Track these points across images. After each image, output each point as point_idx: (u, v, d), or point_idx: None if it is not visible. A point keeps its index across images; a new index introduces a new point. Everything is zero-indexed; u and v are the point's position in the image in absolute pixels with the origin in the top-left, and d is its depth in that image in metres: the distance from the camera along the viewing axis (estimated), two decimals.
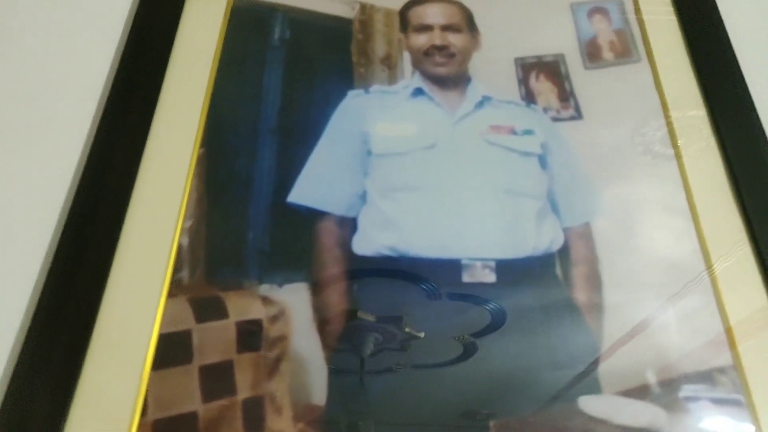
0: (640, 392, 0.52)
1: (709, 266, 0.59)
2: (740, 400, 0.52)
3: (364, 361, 0.52)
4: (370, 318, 0.54)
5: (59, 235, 0.54)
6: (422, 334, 0.53)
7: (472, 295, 0.55)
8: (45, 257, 0.54)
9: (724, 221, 0.62)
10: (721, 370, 0.53)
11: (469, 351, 0.53)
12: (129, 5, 0.71)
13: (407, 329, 0.54)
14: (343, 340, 0.52)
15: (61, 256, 0.53)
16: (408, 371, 0.52)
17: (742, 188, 0.63)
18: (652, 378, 0.52)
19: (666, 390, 0.52)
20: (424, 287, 0.55)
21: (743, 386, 0.52)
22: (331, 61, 0.69)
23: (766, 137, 0.66)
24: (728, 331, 0.55)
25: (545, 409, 0.50)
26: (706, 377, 0.53)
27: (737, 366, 0.53)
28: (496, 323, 0.54)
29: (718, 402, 0.52)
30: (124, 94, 0.63)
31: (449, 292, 0.55)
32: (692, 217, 0.62)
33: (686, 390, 0.52)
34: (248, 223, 0.57)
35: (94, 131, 0.61)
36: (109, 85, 0.64)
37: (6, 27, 0.70)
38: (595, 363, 0.53)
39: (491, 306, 0.55)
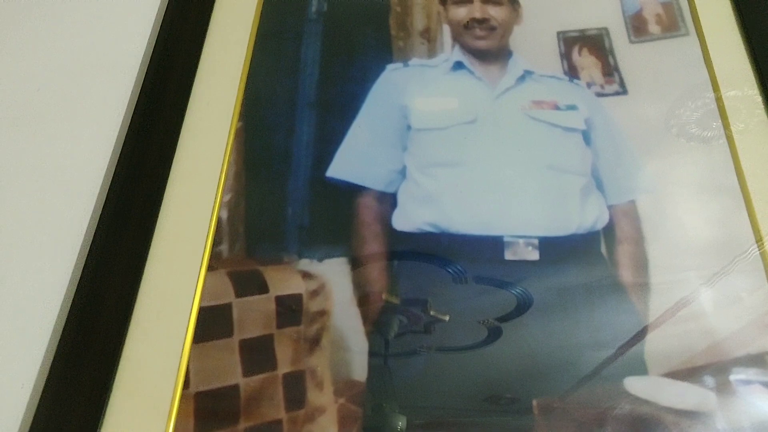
0: (688, 374, 0.50)
1: (760, 245, 0.56)
2: None
3: (388, 343, 0.51)
4: (395, 300, 0.53)
5: (100, 209, 0.55)
6: (447, 318, 0.53)
7: (499, 279, 0.54)
8: (85, 236, 0.54)
9: None
10: None
11: (493, 335, 0.52)
12: None
13: (432, 312, 0.53)
14: (376, 322, 0.52)
15: (102, 233, 0.53)
16: (432, 354, 0.51)
17: None
18: (700, 360, 0.51)
19: (715, 372, 0.50)
20: (452, 270, 0.54)
21: None
22: (369, 35, 0.68)
23: None
24: None
25: (589, 389, 0.49)
26: (758, 360, 0.51)
27: None
28: (523, 308, 0.53)
29: None
30: (161, 70, 0.63)
31: (476, 275, 0.54)
32: (743, 195, 0.60)
33: (736, 373, 0.50)
34: (287, 198, 0.57)
35: (133, 106, 0.61)
36: (147, 60, 0.64)
37: (45, 8, 0.70)
38: (640, 343, 0.51)
39: (517, 290, 0.53)
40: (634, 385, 0.50)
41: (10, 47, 0.67)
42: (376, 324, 0.52)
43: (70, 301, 0.50)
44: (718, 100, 0.66)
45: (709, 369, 0.50)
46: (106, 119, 0.61)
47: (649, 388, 0.50)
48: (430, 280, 0.54)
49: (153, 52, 0.64)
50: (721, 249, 0.57)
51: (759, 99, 0.65)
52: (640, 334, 0.52)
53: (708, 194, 0.60)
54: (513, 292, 0.53)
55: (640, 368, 0.50)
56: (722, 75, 0.68)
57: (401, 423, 0.47)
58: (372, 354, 0.50)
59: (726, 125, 0.64)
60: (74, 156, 0.60)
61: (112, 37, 0.68)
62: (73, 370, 0.47)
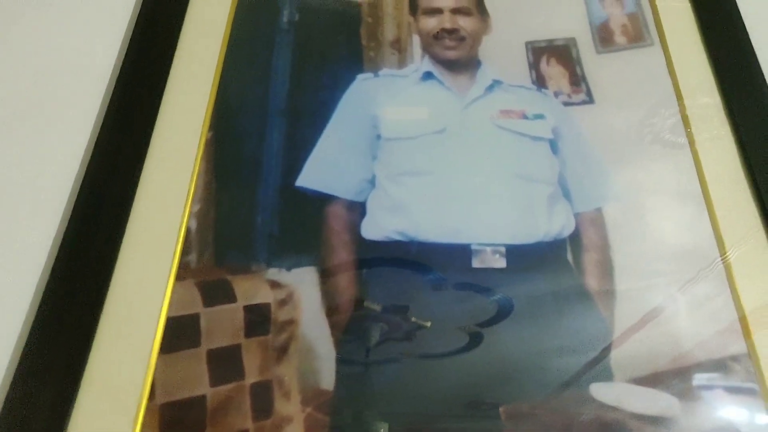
0: (653, 380, 0.51)
1: (723, 253, 0.58)
2: (755, 389, 0.51)
3: (369, 351, 0.51)
4: (377, 307, 0.53)
5: (68, 219, 0.54)
6: (428, 324, 0.53)
7: (479, 285, 0.55)
8: (53, 241, 0.54)
9: (739, 209, 0.61)
10: (735, 359, 0.52)
11: (474, 341, 0.52)
12: None
13: (413, 319, 0.53)
14: (348, 330, 0.52)
15: (69, 240, 0.53)
16: (413, 361, 0.51)
17: (757, 176, 0.62)
18: (665, 366, 0.52)
19: (679, 378, 0.51)
20: (431, 277, 0.54)
21: (758, 375, 0.52)
22: (340, 45, 0.68)
23: None
24: (742, 319, 0.54)
25: (556, 396, 0.50)
26: (720, 366, 0.52)
27: (751, 354, 0.53)
28: (503, 314, 0.53)
29: (732, 390, 0.51)
30: (132, 77, 0.63)
31: (456, 282, 0.55)
32: (706, 204, 0.61)
33: (700, 378, 0.51)
34: (257, 207, 0.57)
35: (103, 114, 0.61)
36: (118, 68, 0.64)
37: (17, 12, 0.70)
38: (606, 350, 0.52)
39: (498, 296, 0.54)
40: (599, 391, 0.50)
41: None
42: (356, 331, 0.52)
43: (36, 309, 0.49)
44: (682, 108, 0.67)
45: (673, 375, 0.51)
46: (75, 127, 0.61)
47: (614, 394, 0.50)
48: (409, 287, 0.54)
49: (124, 60, 0.64)
50: (686, 256, 0.58)
51: (721, 108, 0.67)
52: (608, 342, 0.53)
53: (673, 202, 0.62)
54: (493, 298, 0.54)
55: (605, 374, 0.51)
56: (685, 84, 0.69)
57: (383, 430, 0.47)
58: (343, 362, 0.50)
59: (689, 134, 0.66)
60: (43, 163, 0.59)
61: (84, 44, 0.67)
62: (36, 385, 0.46)
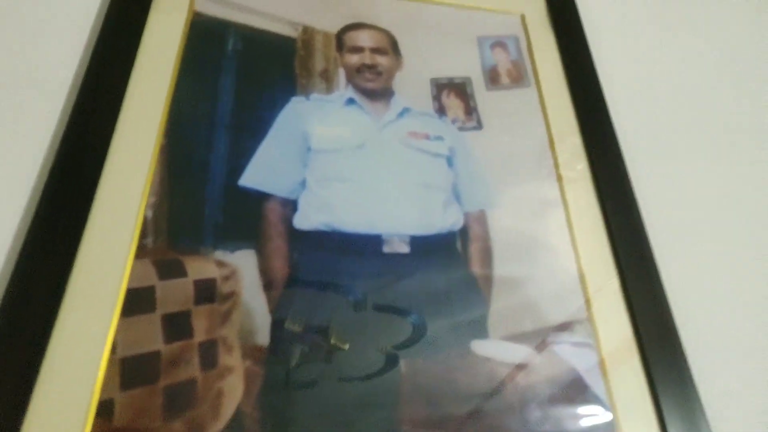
0: (518, 338, 0.66)
1: (576, 252, 0.75)
2: (591, 343, 0.67)
3: (290, 373, 0.59)
4: (298, 329, 0.61)
5: (36, 208, 0.62)
6: (347, 346, 0.62)
7: (397, 307, 0.65)
8: (27, 224, 0.62)
9: (590, 214, 0.79)
10: (579, 322, 0.69)
11: (390, 362, 0.61)
12: (97, 10, 0.80)
13: (333, 340, 0.62)
14: (270, 352, 0.60)
15: (37, 226, 0.61)
16: (332, 383, 0.59)
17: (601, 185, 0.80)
18: (526, 327, 0.67)
19: (536, 336, 0.67)
20: (352, 298, 0.64)
21: (594, 334, 0.68)
22: (277, 72, 0.81)
23: (625, 167, 0.83)
24: (587, 302, 0.71)
25: (444, 352, 0.64)
26: (567, 327, 0.68)
27: (590, 319, 0.69)
28: (418, 335, 0.64)
29: (575, 345, 0.67)
30: (93, 91, 0.71)
31: (375, 303, 0.65)
32: (564, 210, 0.78)
33: (552, 336, 0.67)
34: (205, 201, 0.68)
35: (66, 121, 0.69)
36: (79, 83, 0.72)
37: None
38: (483, 315, 0.67)
39: (413, 318, 0.65)
40: (478, 346, 0.65)
41: None
42: (277, 353, 0.59)
43: (7, 281, 0.57)
44: (550, 138, 0.85)
45: (532, 333, 0.67)
46: (40, 130, 0.69)
47: (489, 349, 0.65)
48: (330, 307, 0.64)
49: (85, 74, 0.73)
50: (545, 248, 0.74)
51: (581, 145, 0.85)
52: (485, 310, 0.68)
53: (541, 207, 0.78)
54: (409, 320, 0.65)
55: (483, 333, 0.66)
56: (553, 120, 0.88)
57: None
58: (273, 385, 0.58)
59: (555, 158, 0.83)
60: (12, 156, 0.67)
61: (46, 62, 0.76)
62: (14, 337, 0.54)
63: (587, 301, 0.71)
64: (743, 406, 0.69)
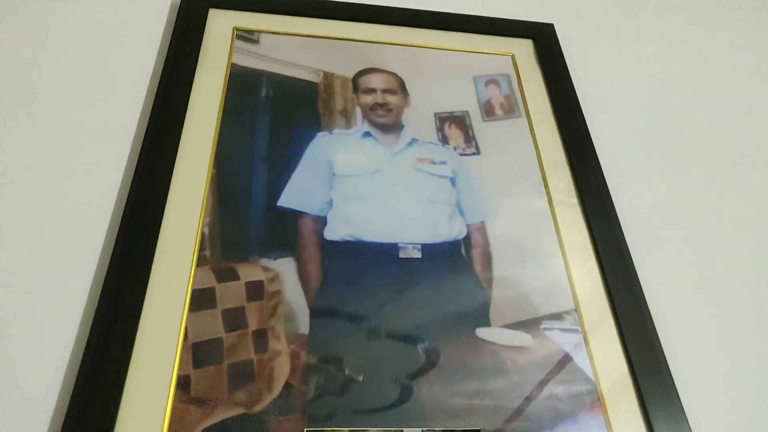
0: (516, 325, 0.79)
1: (563, 255, 0.88)
2: (578, 329, 0.80)
3: (306, 406, 0.66)
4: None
5: (118, 229, 0.76)
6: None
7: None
8: (105, 244, 0.76)
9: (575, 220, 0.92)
10: (567, 312, 0.81)
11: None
12: (153, 70, 0.97)
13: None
14: (310, 338, 0.70)
15: (120, 244, 0.75)
16: (348, 416, 0.66)
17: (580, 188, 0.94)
18: (523, 317, 0.80)
19: (531, 324, 0.79)
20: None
21: (580, 321, 0.81)
22: (304, 112, 0.96)
23: (605, 181, 0.96)
24: (574, 297, 0.83)
25: (455, 338, 0.76)
26: (557, 316, 0.81)
27: (577, 309, 0.82)
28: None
29: (565, 330, 0.79)
30: (156, 135, 0.87)
31: (388, 332, 0.73)
32: (552, 221, 0.92)
33: (545, 323, 0.80)
34: (249, 221, 0.82)
35: (135, 164, 0.84)
36: (143, 130, 0.88)
37: (46, 84, 0.94)
38: (486, 308, 0.80)
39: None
40: (482, 333, 0.77)
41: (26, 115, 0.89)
42: (292, 385, 0.67)
43: (101, 287, 0.71)
44: (540, 162, 0.99)
45: (527, 322, 0.79)
46: (114, 170, 0.84)
47: (492, 335, 0.77)
48: (345, 337, 0.72)
49: (148, 123, 0.88)
50: (536, 251, 0.87)
51: (567, 170, 0.99)
52: (487, 304, 0.80)
53: (528, 217, 0.92)
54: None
55: (485, 322, 0.78)
56: (543, 147, 1.01)
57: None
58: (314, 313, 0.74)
59: (543, 179, 0.97)
60: (92, 189, 0.82)
61: (114, 108, 0.92)
62: (105, 336, 0.68)
63: (575, 296, 0.83)
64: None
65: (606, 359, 0.78)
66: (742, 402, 0.79)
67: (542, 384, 0.74)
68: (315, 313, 0.75)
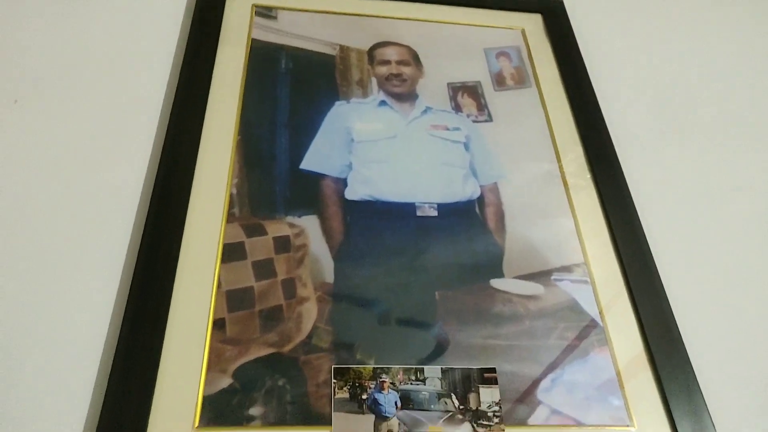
0: (528, 277, 0.83)
1: (573, 213, 0.92)
2: (586, 280, 0.84)
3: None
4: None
5: (152, 190, 0.82)
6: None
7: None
8: (140, 207, 0.81)
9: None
10: (577, 265, 0.86)
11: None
12: (177, 44, 1.01)
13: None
14: (335, 286, 0.75)
15: (156, 202, 0.80)
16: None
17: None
18: (535, 269, 0.84)
19: (543, 275, 0.83)
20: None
21: (588, 272, 0.85)
22: (322, 82, 1.01)
23: (614, 150, 1.00)
24: (584, 252, 0.88)
25: (469, 286, 0.81)
26: (567, 269, 0.85)
27: (586, 262, 0.86)
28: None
29: (574, 281, 0.84)
30: (182, 106, 0.91)
31: (407, 281, 0.79)
32: (561, 181, 0.96)
33: (555, 274, 0.84)
34: (275, 180, 0.87)
35: (164, 132, 0.89)
36: (171, 101, 0.93)
37: (75, 65, 0.99)
38: (499, 261, 0.84)
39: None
40: (496, 283, 0.82)
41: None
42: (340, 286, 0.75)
43: (139, 241, 0.76)
44: (550, 128, 1.03)
45: (539, 274, 0.84)
46: (144, 135, 0.89)
47: (505, 285, 0.82)
48: (367, 284, 0.77)
49: (175, 94, 0.92)
50: (546, 210, 0.92)
51: (576, 135, 1.03)
52: (500, 257, 0.85)
53: (538, 179, 0.96)
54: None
55: (499, 274, 0.83)
56: (553, 116, 1.05)
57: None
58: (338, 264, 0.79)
59: (554, 145, 1.01)
60: (124, 152, 0.87)
61: (143, 80, 0.97)
62: (152, 280, 0.73)
63: (584, 251, 0.87)
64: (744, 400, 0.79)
65: (615, 313, 0.82)
66: (757, 374, 0.81)
67: (553, 328, 0.78)
68: (339, 264, 0.80)
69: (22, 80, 0.93)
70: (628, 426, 0.72)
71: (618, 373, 0.76)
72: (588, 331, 0.79)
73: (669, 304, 0.82)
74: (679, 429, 0.72)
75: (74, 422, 0.65)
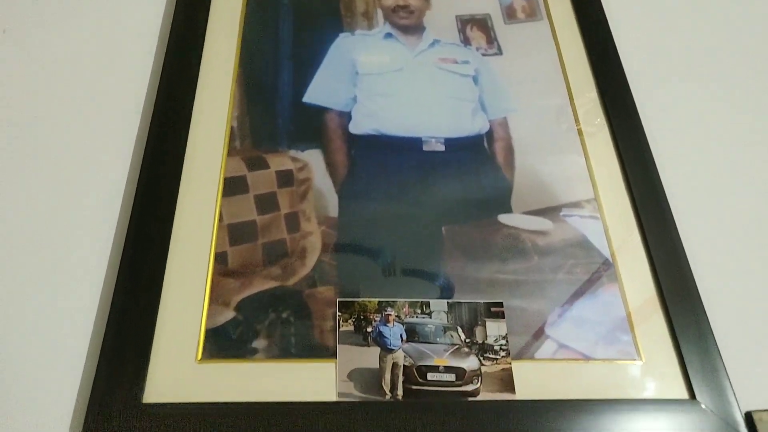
0: (537, 212, 0.81)
1: (584, 148, 0.89)
2: (597, 216, 0.82)
3: (338, 279, 0.71)
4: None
5: (149, 128, 0.79)
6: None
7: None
8: (138, 140, 0.79)
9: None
10: (587, 201, 0.83)
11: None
12: None
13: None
14: (339, 220, 0.75)
15: (153, 140, 0.78)
16: (377, 288, 0.71)
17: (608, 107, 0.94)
18: (543, 204, 0.82)
19: (551, 210, 0.81)
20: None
21: (599, 209, 0.83)
22: (326, 14, 0.97)
23: (631, 93, 0.95)
24: (594, 188, 0.85)
25: (477, 221, 0.79)
26: (576, 205, 0.83)
27: (596, 198, 0.84)
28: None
29: (584, 217, 0.82)
30: (180, 36, 0.88)
31: (412, 215, 0.77)
32: (572, 114, 0.92)
33: (564, 210, 0.82)
34: (277, 114, 0.84)
35: (161, 63, 0.85)
36: (167, 37, 0.89)
37: (61, 11, 0.94)
38: (508, 196, 0.82)
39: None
40: (504, 218, 0.80)
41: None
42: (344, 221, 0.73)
43: (137, 180, 0.74)
44: (561, 62, 0.99)
45: (547, 209, 0.82)
46: (140, 70, 0.86)
47: (513, 220, 0.80)
48: (372, 218, 0.76)
49: (171, 29, 0.89)
50: (557, 145, 0.88)
51: (588, 69, 0.99)
52: (509, 192, 0.83)
53: (549, 112, 0.92)
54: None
55: (507, 209, 0.81)
56: (565, 50, 1.01)
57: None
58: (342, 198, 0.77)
59: (565, 79, 0.97)
60: (119, 92, 0.84)
61: (140, 13, 0.93)
62: (150, 222, 0.71)
63: (593, 182, 0.85)
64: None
65: (626, 251, 0.80)
66: None
67: (561, 264, 0.77)
68: (343, 198, 0.78)
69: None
70: (635, 360, 0.72)
71: (629, 315, 0.75)
72: (597, 267, 0.78)
73: (682, 246, 0.80)
74: (687, 365, 0.72)
75: (75, 357, 0.65)
